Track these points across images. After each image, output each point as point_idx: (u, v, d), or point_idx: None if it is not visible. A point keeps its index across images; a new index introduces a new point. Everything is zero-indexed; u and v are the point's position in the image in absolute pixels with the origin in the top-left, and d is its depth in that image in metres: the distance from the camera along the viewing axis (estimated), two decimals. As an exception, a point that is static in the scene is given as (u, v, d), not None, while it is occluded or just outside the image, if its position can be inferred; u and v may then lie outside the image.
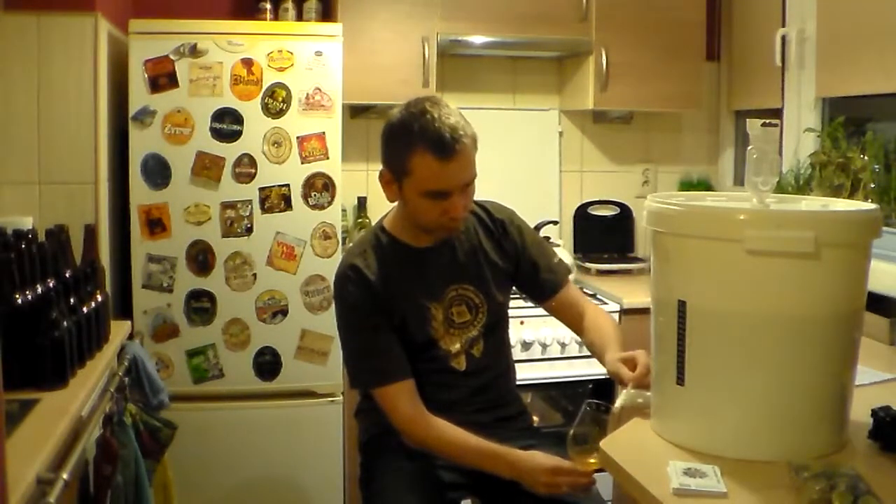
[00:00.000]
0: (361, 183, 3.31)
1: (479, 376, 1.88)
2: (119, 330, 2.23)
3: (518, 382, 2.05)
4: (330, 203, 2.73)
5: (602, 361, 1.82)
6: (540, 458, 1.69)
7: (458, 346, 1.86)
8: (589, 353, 2.96)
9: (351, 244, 2.04)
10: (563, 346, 2.86)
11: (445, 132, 1.65)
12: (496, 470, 1.72)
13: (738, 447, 1.47)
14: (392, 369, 1.76)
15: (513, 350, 2.08)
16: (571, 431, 1.67)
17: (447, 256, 1.87)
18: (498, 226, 1.94)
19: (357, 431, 2.01)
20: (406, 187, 1.74)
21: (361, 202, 3.22)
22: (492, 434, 1.86)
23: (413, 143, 1.68)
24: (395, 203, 1.85)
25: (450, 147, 1.65)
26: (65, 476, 1.42)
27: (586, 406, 1.68)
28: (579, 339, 2.01)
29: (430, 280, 1.85)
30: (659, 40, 3.21)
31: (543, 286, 1.97)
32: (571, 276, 3.20)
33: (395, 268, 1.82)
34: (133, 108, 2.60)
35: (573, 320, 1.99)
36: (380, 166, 1.80)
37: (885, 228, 1.60)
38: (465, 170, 1.71)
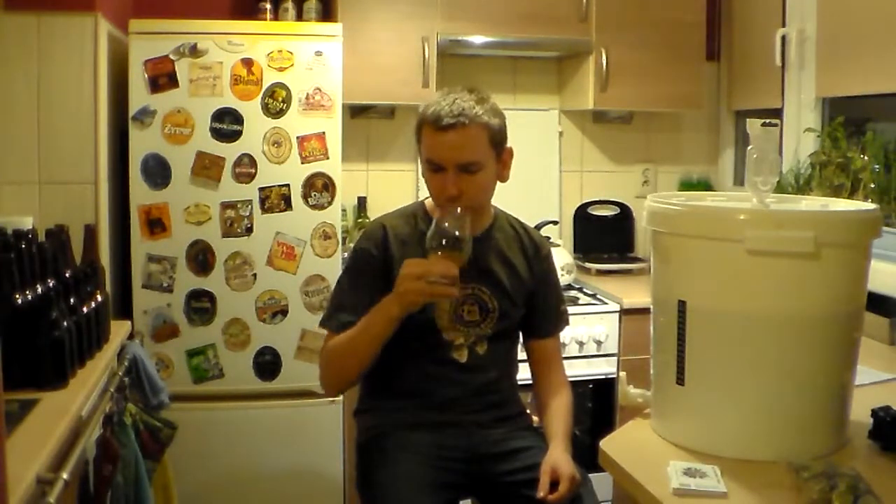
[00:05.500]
0: (361, 183, 3.30)
1: (480, 373, 1.88)
2: (119, 330, 2.23)
3: (518, 382, 2.05)
4: (330, 203, 2.73)
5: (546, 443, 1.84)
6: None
7: (461, 339, 1.87)
8: (588, 354, 2.97)
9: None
10: (562, 346, 2.85)
11: (446, 108, 1.75)
12: (385, 316, 1.73)
13: (738, 447, 1.47)
14: (351, 325, 1.82)
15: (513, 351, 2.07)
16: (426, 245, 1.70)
17: (477, 253, 1.87)
18: (532, 247, 1.97)
19: (355, 432, 2.01)
20: (421, 156, 1.85)
21: (361, 202, 3.22)
22: (491, 433, 1.87)
23: (424, 115, 1.80)
24: None
25: (444, 121, 1.74)
26: (65, 476, 1.42)
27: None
28: (532, 383, 2.03)
29: None
30: (659, 40, 3.21)
31: (539, 324, 1.99)
32: (571, 277, 3.22)
33: (420, 245, 1.84)
34: (133, 108, 2.60)
35: (540, 374, 2.00)
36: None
37: (885, 228, 1.61)
38: (460, 148, 1.76)
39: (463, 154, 1.76)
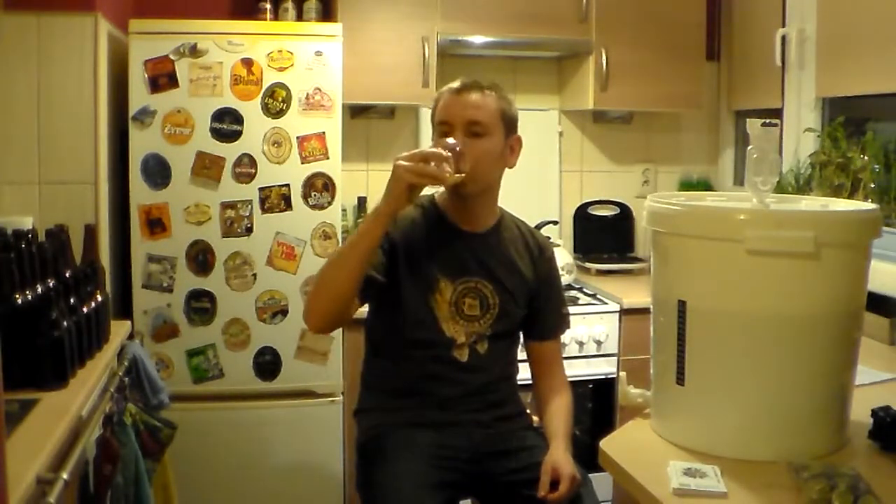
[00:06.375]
0: (361, 183, 3.30)
1: (481, 373, 1.88)
2: (119, 330, 2.23)
3: (518, 382, 2.05)
4: (330, 203, 2.73)
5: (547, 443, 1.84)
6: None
7: (463, 338, 1.87)
8: (588, 354, 2.96)
9: None
10: (562, 346, 2.85)
11: (464, 79, 1.85)
12: (375, 212, 1.71)
13: (738, 447, 1.47)
14: None
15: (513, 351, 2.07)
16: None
17: (480, 248, 1.89)
18: (537, 248, 1.98)
19: (355, 432, 2.01)
20: (434, 127, 1.87)
21: (361, 202, 3.21)
22: (491, 432, 1.87)
23: (441, 90, 1.89)
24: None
25: (461, 85, 1.83)
26: (65, 476, 1.42)
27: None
28: (532, 383, 2.03)
29: (454, 259, 1.87)
30: (659, 40, 3.21)
31: (541, 326, 1.99)
32: (571, 277, 3.22)
33: (426, 231, 1.87)
34: (133, 108, 2.60)
35: (540, 376, 2.00)
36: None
37: (885, 228, 1.61)
38: (472, 107, 1.81)
39: (474, 112, 1.80)
